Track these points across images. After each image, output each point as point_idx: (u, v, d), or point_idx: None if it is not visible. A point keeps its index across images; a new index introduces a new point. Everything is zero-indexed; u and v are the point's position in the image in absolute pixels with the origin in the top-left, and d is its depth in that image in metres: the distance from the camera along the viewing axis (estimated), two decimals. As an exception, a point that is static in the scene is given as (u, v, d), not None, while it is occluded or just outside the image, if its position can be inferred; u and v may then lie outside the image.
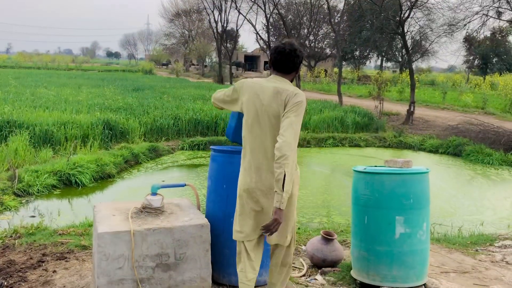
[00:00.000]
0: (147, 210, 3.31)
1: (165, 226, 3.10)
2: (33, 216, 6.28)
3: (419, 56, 42.08)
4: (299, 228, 5.71)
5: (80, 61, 76.89)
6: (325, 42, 45.23)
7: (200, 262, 3.18)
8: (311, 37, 41.15)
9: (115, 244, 2.96)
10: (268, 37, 31.57)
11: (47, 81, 26.12)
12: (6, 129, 9.75)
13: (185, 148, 11.88)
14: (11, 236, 4.90)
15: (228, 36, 44.75)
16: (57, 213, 6.49)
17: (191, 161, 10.56)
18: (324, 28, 41.90)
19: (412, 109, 17.62)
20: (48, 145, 9.82)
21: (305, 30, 36.43)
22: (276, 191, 2.57)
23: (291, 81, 2.88)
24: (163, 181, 8.23)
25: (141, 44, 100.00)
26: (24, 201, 6.98)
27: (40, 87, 20.85)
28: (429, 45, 32.90)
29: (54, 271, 3.86)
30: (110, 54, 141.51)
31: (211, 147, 3.66)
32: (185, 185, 3.70)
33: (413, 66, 27.90)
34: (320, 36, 44.06)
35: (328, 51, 44.76)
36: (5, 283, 3.66)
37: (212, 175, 3.55)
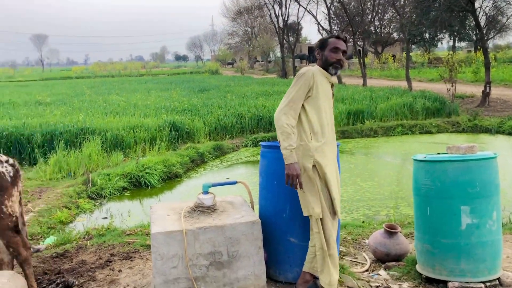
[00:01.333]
0: (200, 209, 3.33)
1: (216, 224, 3.10)
2: (105, 218, 6.61)
3: (495, 32, 39.21)
4: (363, 222, 5.52)
5: (150, 66, 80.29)
6: (391, 27, 43.60)
7: (253, 259, 3.15)
8: (376, 22, 39.83)
9: (168, 244, 3.01)
10: (330, 26, 30.92)
11: (120, 88, 27.53)
12: (80, 136, 10.37)
13: (249, 145, 11.97)
14: (84, 238, 5.20)
15: (290, 30, 44.50)
16: (127, 214, 6.78)
17: (255, 158, 10.60)
18: (389, 12, 40.39)
19: (488, 90, 16.44)
20: (119, 149, 10.31)
21: (369, 16, 35.28)
22: None
23: (320, 65, 3.19)
24: (228, 178, 8.33)
25: (207, 45, 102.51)
26: (97, 203, 7.37)
27: (112, 94, 22.02)
28: (506, 20, 30.48)
29: (120, 271, 4.02)
30: (178, 58, 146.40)
31: (260, 143, 3.62)
32: (237, 182, 3.69)
33: (490, 44, 26.00)
34: (386, 20, 42.53)
35: (395, 35, 43.10)
36: (76, 282, 3.87)
37: (262, 171, 3.50)
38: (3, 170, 3.16)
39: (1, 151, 9.31)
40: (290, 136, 2.93)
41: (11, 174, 3.21)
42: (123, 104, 16.70)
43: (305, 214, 3.03)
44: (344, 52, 3.15)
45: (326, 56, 3.10)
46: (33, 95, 22.61)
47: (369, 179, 8.27)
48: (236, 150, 11.59)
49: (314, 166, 2.97)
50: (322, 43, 3.17)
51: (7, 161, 3.25)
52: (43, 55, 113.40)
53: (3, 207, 3.12)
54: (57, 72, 77.79)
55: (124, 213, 6.78)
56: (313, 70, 3.06)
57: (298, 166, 2.92)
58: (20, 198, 3.39)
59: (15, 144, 9.96)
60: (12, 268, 3.50)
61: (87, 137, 10.19)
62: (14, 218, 3.22)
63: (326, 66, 3.11)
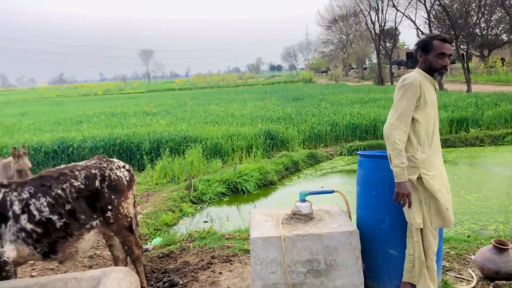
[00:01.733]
0: (297, 217, 3.40)
1: (313, 233, 3.14)
2: (206, 221, 6.96)
3: None
4: (468, 236, 5.20)
5: (246, 77, 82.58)
6: (499, 28, 40.33)
7: (351, 269, 3.14)
8: (482, 24, 37.11)
9: (267, 249, 3.11)
10: (430, 30, 29.47)
11: (218, 98, 28.72)
12: (183, 144, 11.02)
13: (343, 153, 11.82)
14: (187, 240, 5.53)
15: (387, 35, 43.16)
16: (226, 218, 7.07)
17: (350, 167, 10.45)
18: (498, 13, 37.42)
19: None
20: (218, 156, 10.78)
21: (474, 18, 33.01)
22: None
23: (423, 68, 3.04)
24: (322, 187, 8.31)
25: (301, 54, 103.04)
26: (198, 207, 7.78)
27: (211, 104, 23.04)
28: None
29: (220, 273, 4.22)
30: (272, 68, 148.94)
31: (357, 152, 3.60)
32: (333, 192, 3.70)
33: None
34: (494, 21, 39.47)
35: (504, 37, 39.80)
36: (181, 282, 4.14)
37: (360, 181, 3.48)
38: (121, 174, 3.50)
39: (115, 157, 10.23)
40: (402, 153, 2.83)
41: (127, 179, 3.54)
42: (221, 114, 17.42)
43: (408, 221, 2.99)
44: (449, 55, 2.98)
45: (430, 61, 2.95)
46: (141, 106, 24.48)
47: (474, 191, 7.74)
48: (330, 159, 11.51)
49: (419, 177, 2.90)
50: (426, 46, 2.99)
51: (124, 167, 3.60)
52: (149, 68, 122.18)
53: (120, 208, 3.45)
54: (162, 84, 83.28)
55: (223, 218, 7.08)
56: (419, 78, 2.92)
57: (409, 185, 2.86)
58: (134, 201, 3.73)
59: (126, 151, 10.88)
60: (126, 265, 3.85)
61: (190, 145, 10.81)
62: (129, 219, 3.54)
63: (431, 71, 2.98)
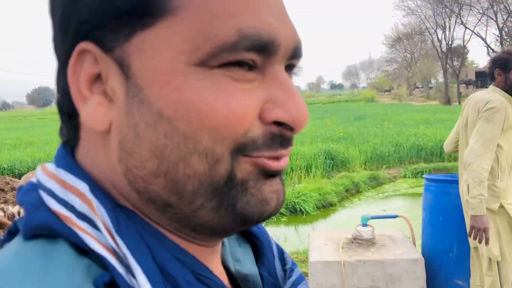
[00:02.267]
0: (358, 241, 3.30)
1: (376, 259, 3.03)
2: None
3: None
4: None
5: (306, 96, 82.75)
6: None
7: (415, 300, 2.98)
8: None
9: (326, 273, 3.03)
10: (502, 48, 28.07)
11: (278, 117, 28.83)
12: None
13: (407, 176, 11.39)
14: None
15: (455, 54, 41.63)
16: (283, 238, 7.00)
17: (414, 190, 10.04)
18: None
19: None
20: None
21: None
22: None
23: (502, 88, 2.79)
24: (384, 210, 8.04)
25: (363, 73, 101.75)
26: (256, 226, 7.77)
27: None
28: None
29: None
30: (333, 86, 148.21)
31: (423, 176, 3.45)
32: (397, 216, 3.56)
33: None
34: None
35: None
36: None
37: (426, 206, 3.33)
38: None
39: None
40: (483, 184, 2.58)
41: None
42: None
43: (482, 253, 2.79)
44: None
45: None
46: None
47: None
48: (393, 181, 11.13)
49: (501, 206, 2.70)
50: (506, 63, 2.77)
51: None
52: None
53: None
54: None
55: (280, 238, 7.01)
56: (503, 100, 2.71)
57: (486, 219, 2.60)
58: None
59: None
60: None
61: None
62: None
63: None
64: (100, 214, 0.39)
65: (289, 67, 0.45)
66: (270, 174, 0.42)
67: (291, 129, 0.42)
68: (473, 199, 2.61)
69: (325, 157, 11.67)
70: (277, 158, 0.42)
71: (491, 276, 2.72)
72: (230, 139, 0.39)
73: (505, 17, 26.33)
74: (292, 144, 0.44)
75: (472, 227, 2.62)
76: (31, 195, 0.42)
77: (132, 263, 0.37)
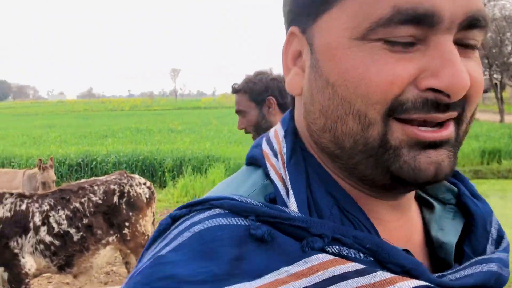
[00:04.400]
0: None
1: None
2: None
3: None
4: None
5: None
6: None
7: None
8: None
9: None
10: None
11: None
12: (206, 162, 10.95)
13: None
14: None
15: None
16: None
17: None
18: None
19: None
20: (240, 177, 10.67)
21: (509, 47, 32.44)
22: None
23: None
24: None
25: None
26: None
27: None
28: None
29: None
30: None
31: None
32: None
33: None
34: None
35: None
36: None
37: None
38: (140, 191, 3.41)
39: (137, 173, 10.23)
40: None
41: (147, 196, 3.45)
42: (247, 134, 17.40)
43: None
44: None
45: None
46: (167, 123, 24.71)
47: (506, 226, 7.36)
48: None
49: None
50: None
51: (144, 183, 3.52)
52: (176, 86, 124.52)
53: (137, 225, 3.35)
54: (188, 102, 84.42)
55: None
56: None
57: None
58: (154, 219, 3.62)
59: (149, 167, 10.88)
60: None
61: (212, 164, 10.73)
62: (146, 237, 3.43)
63: None
64: (282, 152, 0.53)
65: (464, 44, 0.49)
66: (429, 145, 0.46)
67: (448, 96, 0.45)
68: None
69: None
70: (432, 125, 0.46)
71: None
72: (380, 104, 0.45)
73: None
74: (456, 109, 0.47)
75: None
76: (260, 140, 0.59)
77: (289, 187, 0.49)
